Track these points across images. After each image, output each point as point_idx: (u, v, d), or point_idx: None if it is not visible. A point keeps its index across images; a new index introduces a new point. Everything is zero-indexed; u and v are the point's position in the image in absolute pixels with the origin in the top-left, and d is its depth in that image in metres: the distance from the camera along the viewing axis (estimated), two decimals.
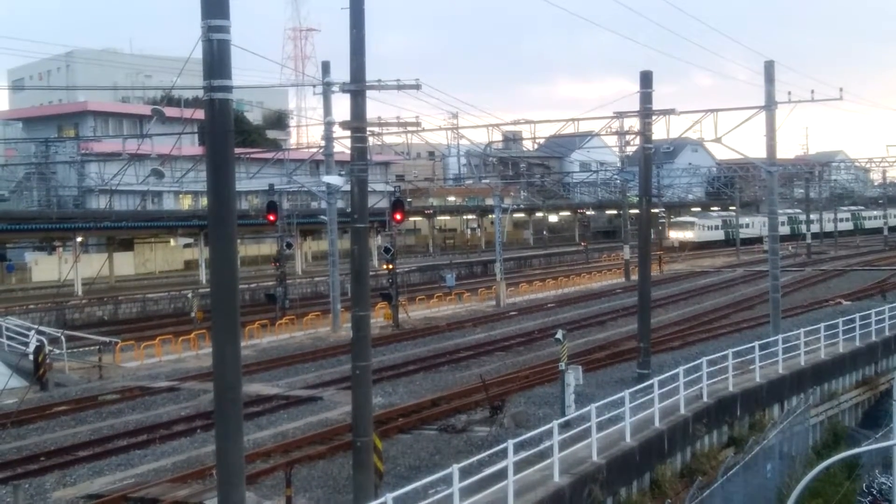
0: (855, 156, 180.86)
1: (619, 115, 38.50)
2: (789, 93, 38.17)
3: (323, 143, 51.42)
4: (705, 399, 28.54)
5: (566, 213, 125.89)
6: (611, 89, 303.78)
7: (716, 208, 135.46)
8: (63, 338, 39.22)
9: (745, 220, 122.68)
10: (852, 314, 41.25)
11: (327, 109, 49.52)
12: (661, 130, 37.29)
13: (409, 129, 42.52)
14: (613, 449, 23.19)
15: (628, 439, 23.88)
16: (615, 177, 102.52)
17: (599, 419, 22.55)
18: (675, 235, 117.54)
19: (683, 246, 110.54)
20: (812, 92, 38.21)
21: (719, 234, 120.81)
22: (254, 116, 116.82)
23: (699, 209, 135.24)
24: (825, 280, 72.42)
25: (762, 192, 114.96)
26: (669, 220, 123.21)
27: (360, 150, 19.23)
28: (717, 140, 37.79)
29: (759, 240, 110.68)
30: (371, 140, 39.04)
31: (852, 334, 38.90)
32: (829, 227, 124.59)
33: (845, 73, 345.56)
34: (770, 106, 37.00)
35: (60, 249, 75.01)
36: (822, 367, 36.01)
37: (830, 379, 36.71)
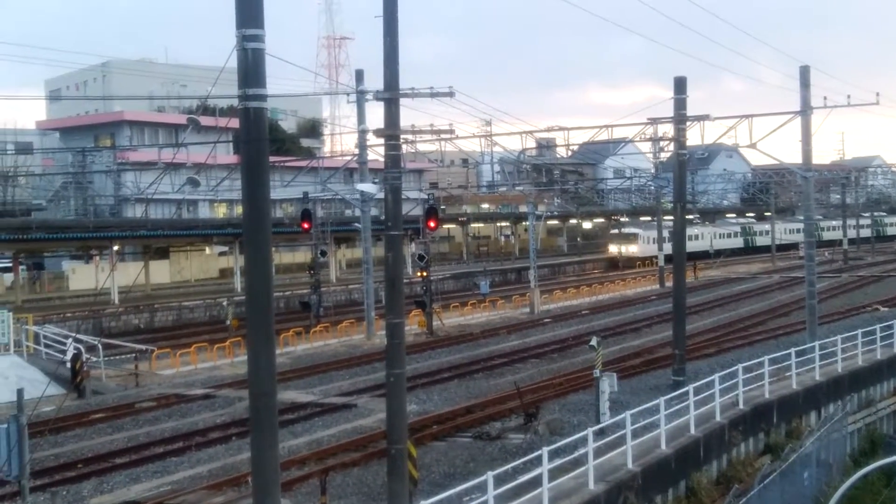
0: (892, 161, 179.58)
1: (653, 122, 38.38)
2: (825, 98, 37.91)
3: (357, 151, 51.59)
4: (741, 406, 28.39)
5: (600, 220, 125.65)
6: (641, 95, 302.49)
7: (751, 214, 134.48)
8: (100, 346, 39.52)
9: (694, 231, 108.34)
10: (890, 320, 40.90)
11: (361, 117, 49.71)
12: (695, 136, 37.18)
13: (443, 136, 42.48)
14: (649, 456, 23.09)
15: (664, 447, 23.77)
16: (649, 183, 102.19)
17: (634, 426, 22.46)
18: (615, 249, 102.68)
19: (626, 261, 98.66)
20: (848, 97, 37.94)
21: (665, 248, 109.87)
22: (288, 125, 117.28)
23: (734, 215, 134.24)
24: (862, 286, 71.79)
25: (798, 197, 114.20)
26: (609, 232, 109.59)
27: (393, 157, 19.27)
28: (752, 146, 37.55)
29: (706, 254, 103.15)
30: (405, 148, 39.09)
31: (890, 341, 38.56)
32: (864, 232, 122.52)
33: (882, 77, 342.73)
34: (806, 111, 36.76)
35: (97, 258, 75.62)
36: (860, 374, 35.71)
37: (868, 386, 36.39)
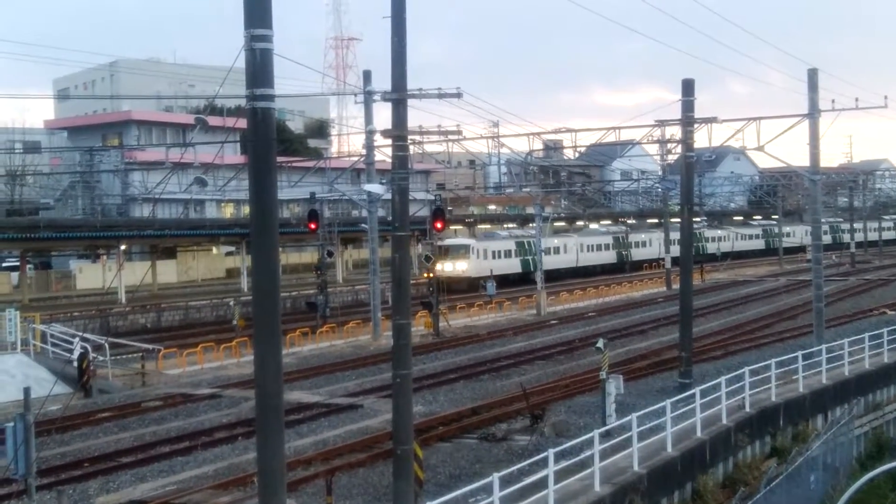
0: None
1: (661, 124, 38.36)
2: (833, 101, 37.96)
3: (364, 151, 51.59)
4: (748, 409, 28.35)
5: (607, 222, 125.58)
6: (645, 98, 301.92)
7: (758, 217, 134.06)
8: (107, 345, 39.57)
9: (553, 242, 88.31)
10: None
11: (368, 118, 49.70)
12: (702, 139, 37.21)
13: (450, 137, 42.46)
14: (655, 459, 23.07)
15: (670, 449, 23.74)
16: (656, 185, 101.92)
17: (640, 429, 22.44)
18: (445, 267, 73.52)
19: (455, 282, 73.36)
20: (856, 100, 38.05)
21: (513, 264, 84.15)
22: (295, 125, 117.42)
23: (741, 218, 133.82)
24: (869, 290, 71.64)
25: (805, 200, 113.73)
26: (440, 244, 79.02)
27: (401, 158, 19.28)
28: (760, 148, 37.57)
29: (572, 271, 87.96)
30: (412, 149, 39.13)
31: None
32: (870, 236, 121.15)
33: (890, 80, 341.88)
34: (813, 114, 36.76)
35: (104, 257, 75.71)
36: (867, 378, 35.65)
37: (875, 389, 36.34)
